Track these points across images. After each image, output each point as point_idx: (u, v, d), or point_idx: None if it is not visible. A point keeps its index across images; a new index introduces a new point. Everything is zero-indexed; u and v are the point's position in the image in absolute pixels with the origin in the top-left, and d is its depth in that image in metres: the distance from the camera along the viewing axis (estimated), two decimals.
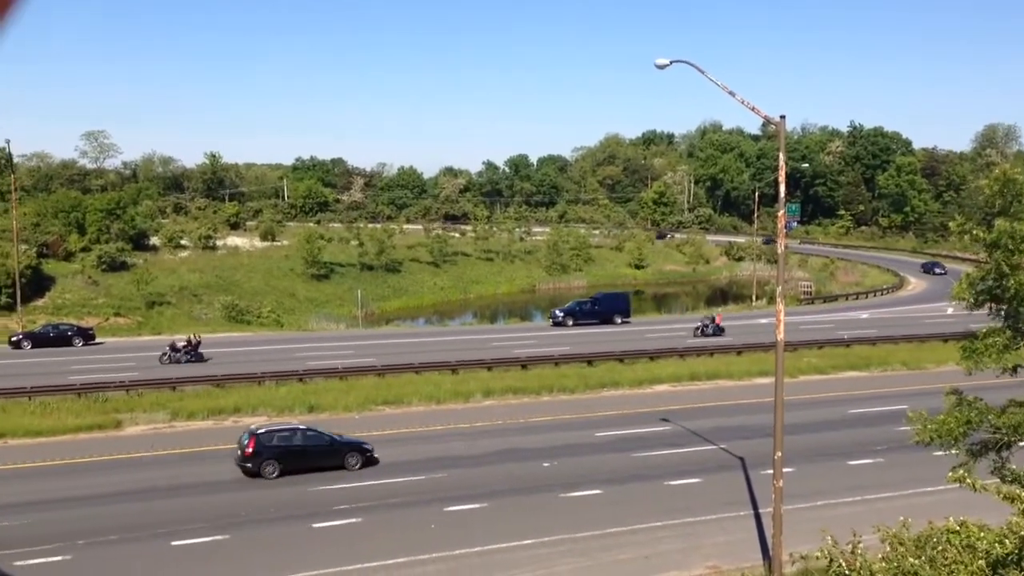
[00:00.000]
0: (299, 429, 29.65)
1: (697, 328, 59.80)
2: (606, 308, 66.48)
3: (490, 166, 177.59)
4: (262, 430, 29.08)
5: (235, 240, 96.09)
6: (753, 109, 20.81)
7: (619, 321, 65.57)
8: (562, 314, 65.61)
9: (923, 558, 10.91)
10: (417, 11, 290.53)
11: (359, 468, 28.85)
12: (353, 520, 24.46)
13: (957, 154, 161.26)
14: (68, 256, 75.58)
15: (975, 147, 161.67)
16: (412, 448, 31.87)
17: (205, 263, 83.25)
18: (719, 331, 58.75)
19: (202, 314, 68.89)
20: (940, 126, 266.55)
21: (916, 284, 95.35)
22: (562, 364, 47.19)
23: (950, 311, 68.81)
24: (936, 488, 25.03)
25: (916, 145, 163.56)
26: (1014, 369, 16.73)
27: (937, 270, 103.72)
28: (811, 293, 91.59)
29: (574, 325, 63.89)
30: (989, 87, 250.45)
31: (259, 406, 37.27)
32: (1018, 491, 9.44)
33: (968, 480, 11.22)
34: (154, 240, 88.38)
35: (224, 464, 29.58)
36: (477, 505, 25.75)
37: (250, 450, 28.05)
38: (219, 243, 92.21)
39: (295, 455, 28.38)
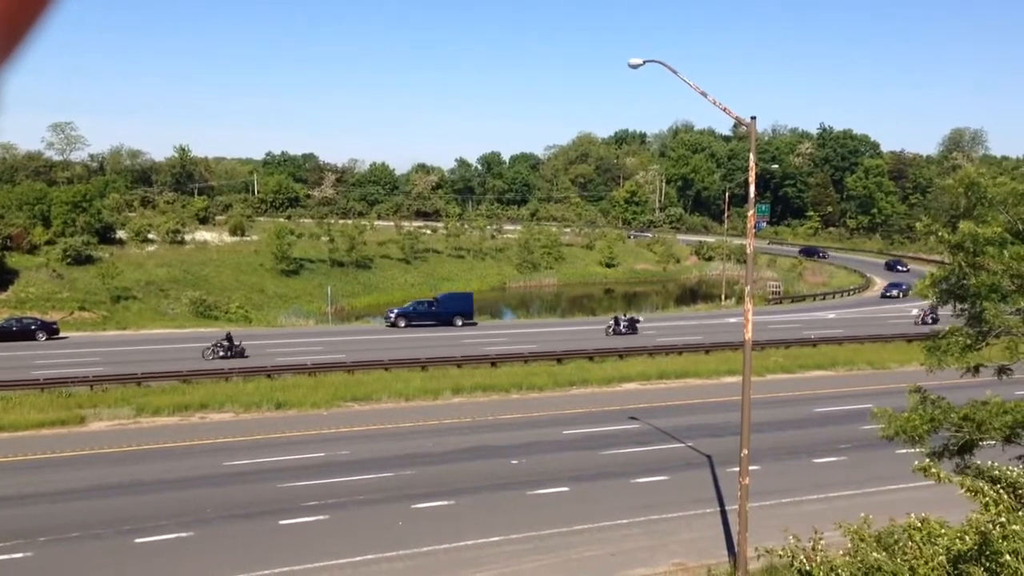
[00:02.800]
0: None
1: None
2: (446, 309, 63.13)
3: (463, 163, 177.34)
4: None
5: (204, 235, 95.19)
6: (725, 110, 20.95)
7: (460, 324, 62.30)
8: (394, 315, 62.17)
9: (885, 553, 11.06)
10: (389, 8, 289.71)
11: None
12: (321, 517, 24.34)
13: (924, 157, 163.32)
14: (32, 249, 74.52)
15: (942, 151, 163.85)
16: (380, 445, 31.77)
17: (173, 257, 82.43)
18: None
19: (169, 309, 68.21)
20: (908, 129, 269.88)
21: (882, 285, 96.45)
22: (532, 362, 47.28)
23: (915, 312, 69.72)
24: (899, 486, 25.45)
25: (884, 148, 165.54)
26: (976, 369, 16.98)
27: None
28: (779, 293, 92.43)
29: (407, 327, 60.64)
30: (956, 91, 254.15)
31: (226, 402, 36.99)
32: (981, 485, 9.61)
33: (933, 470, 11.40)
34: (121, 234, 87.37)
35: (190, 460, 29.43)
36: (445, 502, 25.72)
37: None
38: (187, 237, 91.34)
39: None
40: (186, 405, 36.42)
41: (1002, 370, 16.73)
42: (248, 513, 24.66)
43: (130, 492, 26.24)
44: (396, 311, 63.09)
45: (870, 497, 25.58)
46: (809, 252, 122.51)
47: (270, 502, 25.53)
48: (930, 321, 62.16)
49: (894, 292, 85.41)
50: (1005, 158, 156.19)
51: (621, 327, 56.85)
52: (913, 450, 17.62)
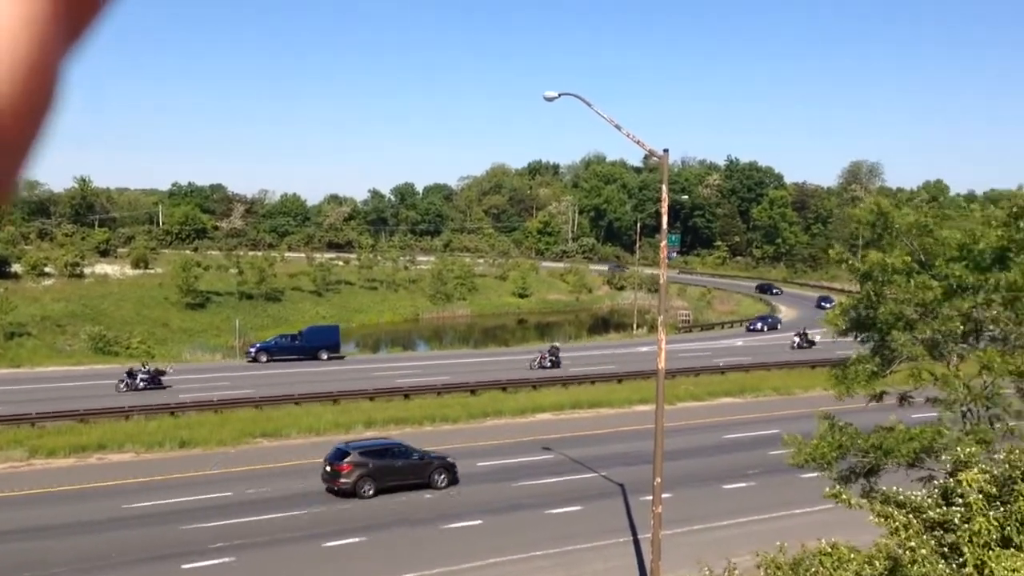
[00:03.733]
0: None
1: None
2: (311, 343, 60.93)
3: (376, 194, 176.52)
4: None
5: (104, 268, 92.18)
6: (638, 143, 21.22)
7: (326, 357, 60.17)
8: (255, 349, 59.26)
9: None
10: (297, 35, 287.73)
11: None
12: (227, 559, 23.52)
13: (824, 189, 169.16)
14: None
15: (841, 182, 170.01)
16: (290, 483, 30.92)
17: (71, 292, 79.43)
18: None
19: (66, 345, 65.58)
20: (809, 162, 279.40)
21: (787, 312, 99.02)
22: (444, 394, 46.87)
23: (818, 339, 71.72)
24: (806, 510, 25.95)
25: (787, 179, 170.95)
26: (880, 396, 17.38)
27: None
28: (689, 322, 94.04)
29: (269, 361, 57.84)
30: (855, 126, 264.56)
31: (126, 442, 35.54)
32: (891, 511, 9.75)
33: (844, 496, 11.56)
34: (16, 267, 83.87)
35: (88, 503, 28.14)
36: (356, 539, 25.15)
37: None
38: (87, 271, 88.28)
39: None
40: (83, 446, 34.84)
41: (903, 398, 17.18)
42: (150, 557, 23.67)
43: (23, 538, 24.88)
44: (257, 346, 60.41)
45: (779, 521, 25.98)
46: (764, 289, 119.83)
47: (173, 545, 24.56)
48: (551, 365, 57.24)
49: (759, 326, 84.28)
50: (900, 189, 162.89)
51: (138, 381, 47.08)
52: (819, 475, 17.92)
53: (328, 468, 29.44)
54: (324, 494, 29.44)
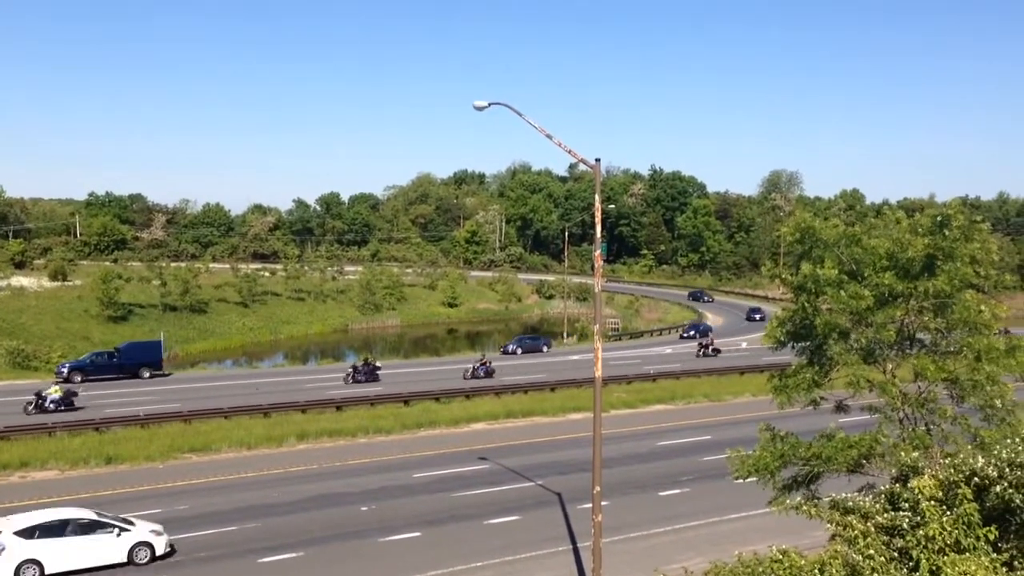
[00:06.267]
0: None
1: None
2: (130, 360, 57.90)
3: (301, 204, 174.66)
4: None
5: (20, 280, 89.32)
6: (570, 152, 21.44)
7: (148, 375, 57.46)
8: (67, 368, 55.43)
9: None
10: (215, 42, 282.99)
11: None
12: None
13: (746, 198, 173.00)
14: None
15: (762, 191, 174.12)
16: (222, 498, 30.35)
17: None
18: None
19: None
20: (731, 172, 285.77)
21: (713, 320, 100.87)
22: (378, 404, 46.57)
23: (744, 345, 73.28)
24: (740, 514, 26.52)
25: (710, 189, 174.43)
26: (815, 403, 17.78)
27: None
28: (618, 329, 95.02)
29: (84, 382, 53.36)
30: (774, 137, 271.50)
31: (49, 459, 34.43)
32: (850, 519, 10.03)
33: (805, 508, 11.82)
34: None
35: None
36: (293, 555, 24.76)
37: None
38: (2, 283, 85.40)
39: None
40: (4, 464, 33.68)
41: (839, 407, 17.65)
42: None
43: None
44: (69, 364, 56.83)
45: (715, 527, 26.45)
46: (753, 311, 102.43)
47: None
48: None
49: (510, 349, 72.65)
50: (818, 198, 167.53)
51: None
52: (752, 480, 18.27)
53: None
54: (257, 508, 28.96)
